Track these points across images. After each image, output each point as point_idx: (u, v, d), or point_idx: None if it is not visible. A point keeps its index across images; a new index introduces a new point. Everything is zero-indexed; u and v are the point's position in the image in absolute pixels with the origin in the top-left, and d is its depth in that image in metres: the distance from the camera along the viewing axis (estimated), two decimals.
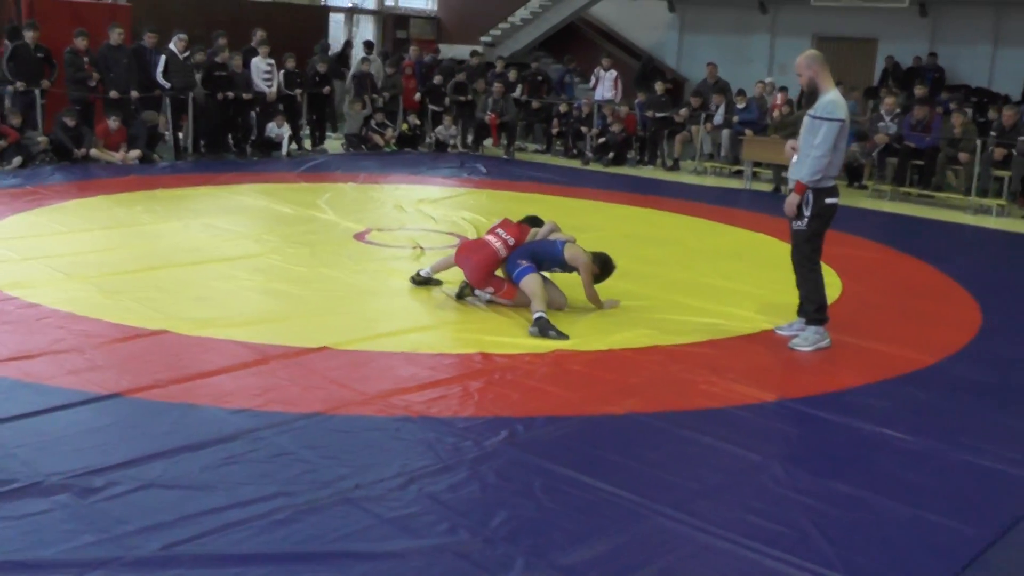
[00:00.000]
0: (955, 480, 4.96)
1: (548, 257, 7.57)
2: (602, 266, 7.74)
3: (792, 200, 6.98)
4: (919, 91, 16.47)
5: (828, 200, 6.96)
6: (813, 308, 7.13)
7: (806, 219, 6.98)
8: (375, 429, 5.17)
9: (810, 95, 7.09)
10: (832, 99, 6.88)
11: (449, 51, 22.98)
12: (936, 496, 4.73)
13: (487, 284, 7.62)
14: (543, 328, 6.93)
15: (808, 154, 6.86)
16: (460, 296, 7.77)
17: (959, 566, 4.08)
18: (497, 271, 7.67)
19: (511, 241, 7.64)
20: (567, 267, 7.61)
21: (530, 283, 7.29)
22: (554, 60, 24.68)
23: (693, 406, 5.78)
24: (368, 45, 20.20)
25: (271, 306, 7.43)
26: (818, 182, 6.89)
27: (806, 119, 7.02)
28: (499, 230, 7.74)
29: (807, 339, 7.07)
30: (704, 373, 6.36)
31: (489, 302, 7.69)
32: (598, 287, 7.74)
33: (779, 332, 7.38)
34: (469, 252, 7.71)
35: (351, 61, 20.71)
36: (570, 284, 7.83)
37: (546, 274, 7.61)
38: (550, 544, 4.04)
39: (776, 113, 16.38)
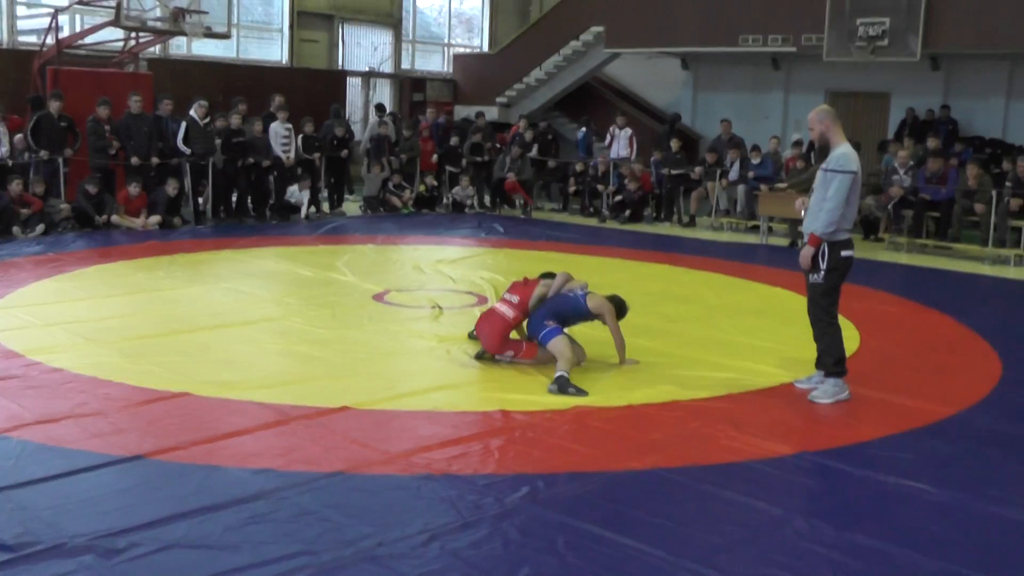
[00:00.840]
0: (982, 532, 4.92)
1: (573, 313, 7.63)
2: (617, 308, 7.82)
3: (807, 253, 7.01)
4: (932, 143, 16.52)
5: (844, 253, 6.98)
6: (832, 361, 7.11)
7: (822, 272, 7.00)
8: (397, 488, 5.17)
9: (822, 149, 7.17)
10: (844, 152, 6.92)
11: (465, 112, 23.22)
12: (963, 549, 4.69)
13: (504, 349, 7.69)
14: (562, 386, 6.94)
15: (822, 207, 6.90)
16: (479, 357, 7.81)
17: None
18: (513, 334, 7.73)
19: (515, 300, 7.73)
20: (591, 317, 7.69)
21: (557, 345, 7.32)
22: (569, 120, 24.91)
23: (714, 460, 5.77)
24: (380, 108, 20.40)
25: (292, 368, 7.46)
26: (832, 235, 6.92)
27: (819, 173, 7.07)
28: (506, 295, 7.88)
29: (826, 392, 7.06)
30: (725, 428, 6.35)
31: (512, 362, 7.72)
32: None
33: (798, 386, 7.37)
34: (483, 324, 7.82)
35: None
36: (591, 339, 7.85)
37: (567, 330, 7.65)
38: None
39: (794, 166, 16.48)
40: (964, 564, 4.51)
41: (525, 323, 7.76)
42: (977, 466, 5.87)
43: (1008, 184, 14.73)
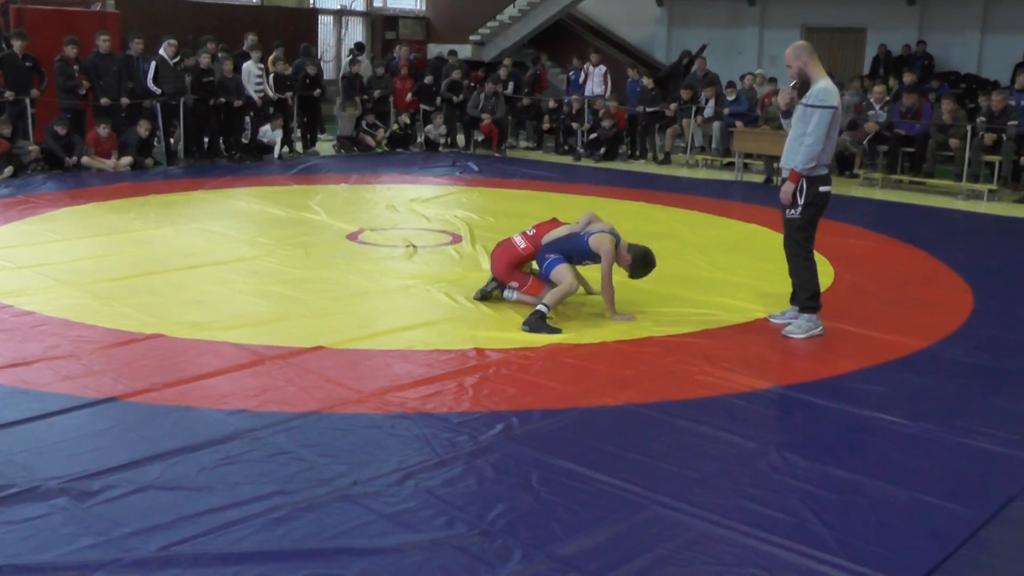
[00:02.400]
0: (950, 462, 4.98)
1: (576, 251, 7.41)
2: (640, 260, 7.35)
3: (788, 188, 6.99)
4: (908, 79, 16.49)
5: (822, 188, 6.98)
6: (806, 296, 7.14)
7: (800, 207, 7.00)
8: (371, 427, 5.17)
9: (802, 85, 7.10)
10: (824, 87, 6.88)
11: (438, 51, 22.98)
12: (931, 478, 4.76)
13: (510, 277, 7.62)
14: (535, 325, 6.93)
15: (802, 142, 6.88)
16: (484, 296, 7.70)
17: (953, 545, 4.10)
18: (526, 267, 7.67)
19: (531, 233, 7.66)
20: (596, 257, 7.29)
21: (559, 272, 7.26)
22: (546, 58, 24.69)
23: (689, 396, 5.80)
24: (359, 46, 20.17)
25: (266, 308, 7.43)
26: (812, 170, 6.91)
27: (798, 108, 7.03)
28: (528, 229, 7.77)
29: (800, 327, 7.09)
30: (699, 363, 6.38)
31: (517, 301, 7.62)
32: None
33: (772, 320, 7.42)
34: (495, 250, 7.78)
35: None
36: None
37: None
38: (548, 535, 4.06)
39: (770, 103, 16.40)
40: (932, 493, 4.57)
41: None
42: (947, 398, 5.93)
43: (982, 119, 14.74)
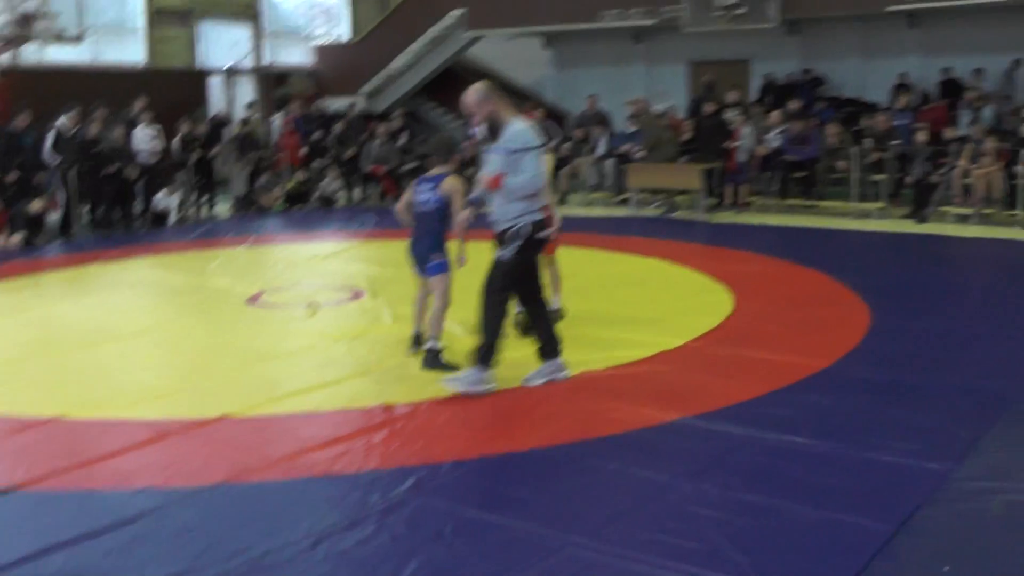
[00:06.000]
0: (858, 478, 5.10)
1: (444, 215, 7.26)
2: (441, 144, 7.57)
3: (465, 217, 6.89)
4: (794, 106, 16.95)
5: (540, 234, 6.65)
6: (485, 345, 6.61)
7: (511, 250, 6.57)
8: (280, 493, 5.13)
9: (493, 130, 6.56)
10: (521, 128, 6.52)
11: (332, 104, 22.94)
12: (841, 495, 4.87)
13: None
14: (432, 361, 6.96)
15: (515, 188, 6.47)
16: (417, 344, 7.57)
17: (865, 559, 4.20)
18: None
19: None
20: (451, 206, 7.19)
21: (439, 282, 7.29)
22: (438, 105, 24.85)
23: (597, 434, 5.84)
24: (250, 105, 20.08)
25: (168, 380, 7.32)
26: (528, 216, 6.55)
27: (495, 156, 6.57)
28: None
29: (468, 378, 6.59)
30: (606, 400, 6.44)
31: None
32: None
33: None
34: None
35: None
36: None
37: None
38: None
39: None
40: (843, 510, 4.68)
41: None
42: (851, 415, 6.08)
43: (869, 139, 15.22)
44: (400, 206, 7.70)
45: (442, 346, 7.21)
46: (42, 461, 5.65)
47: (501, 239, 6.64)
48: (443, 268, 7.33)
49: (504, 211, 6.60)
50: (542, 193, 6.64)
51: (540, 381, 6.79)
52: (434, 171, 7.42)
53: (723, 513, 4.69)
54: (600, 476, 5.23)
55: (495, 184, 6.50)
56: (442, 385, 6.62)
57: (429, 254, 7.37)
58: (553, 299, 8.53)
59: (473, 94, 6.56)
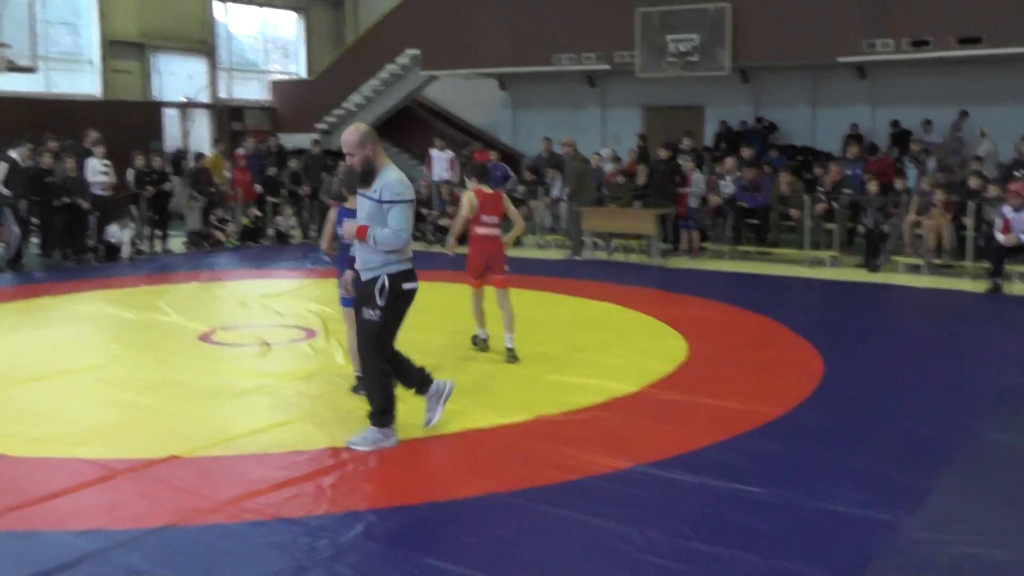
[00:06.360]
0: (808, 527, 5.17)
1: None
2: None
3: (351, 276, 6.70)
4: (747, 153, 17.18)
5: (406, 285, 6.39)
6: (377, 410, 6.49)
7: (380, 309, 6.32)
8: (228, 537, 5.09)
9: (365, 175, 6.35)
10: (399, 179, 6.31)
11: (288, 140, 22.95)
12: (791, 544, 4.93)
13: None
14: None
15: (380, 241, 6.23)
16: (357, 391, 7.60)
17: None
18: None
19: (495, 220, 8.95)
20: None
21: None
22: (391, 144, 24.88)
23: (546, 480, 5.86)
24: (216, 141, 20.04)
25: (115, 418, 7.23)
26: (393, 266, 6.34)
27: (366, 202, 6.37)
28: (485, 217, 8.85)
29: (366, 439, 6.47)
30: (555, 445, 6.46)
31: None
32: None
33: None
34: (492, 247, 8.99)
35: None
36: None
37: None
38: None
39: (615, 180, 16.86)
40: (793, 559, 4.74)
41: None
42: (803, 463, 6.15)
43: (820, 189, 15.45)
44: (326, 242, 7.75)
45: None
46: None
47: (365, 291, 6.39)
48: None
49: (366, 259, 6.38)
50: (408, 248, 6.40)
51: (366, 448, 6.39)
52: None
53: (672, 562, 4.72)
54: (549, 523, 5.24)
55: (360, 235, 6.30)
56: (347, 444, 6.44)
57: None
58: (506, 338, 8.77)
59: (355, 133, 6.35)
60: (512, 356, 8.67)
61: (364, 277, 6.39)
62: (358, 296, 6.50)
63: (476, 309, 9.17)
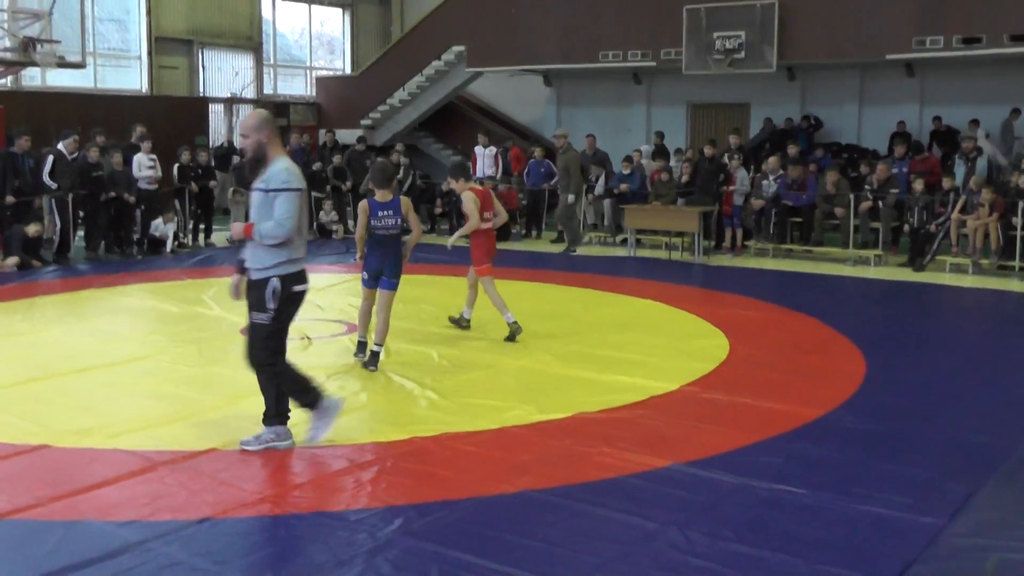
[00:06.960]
0: (849, 531, 5.08)
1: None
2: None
3: (235, 282, 6.32)
4: (792, 151, 17.01)
5: (296, 288, 6.17)
6: (272, 412, 6.35)
7: (271, 312, 6.08)
8: (267, 530, 5.10)
9: (256, 162, 6.14)
10: (286, 167, 6.07)
11: (347, 137, 22.97)
12: (831, 548, 4.85)
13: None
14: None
15: (263, 234, 6.00)
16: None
17: None
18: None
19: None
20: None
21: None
22: (435, 140, 24.95)
23: (587, 478, 5.82)
24: None
25: (158, 410, 7.26)
26: (283, 267, 6.10)
27: (256, 194, 6.13)
28: (486, 214, 9.47)
29: (260, 438, 6.31)
30: (597, 444, 6.41)
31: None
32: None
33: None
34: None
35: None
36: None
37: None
38: None
39: (659, 178, 16.78)
40: (833, 563, 4.66)
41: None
42: (843, 466, 6.06)
43: (867, 187, 15.28)
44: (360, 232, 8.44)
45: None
46: (26, 490, 5.61)
47: (255, 293, 6.13)
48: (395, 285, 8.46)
49: (256, 258, 6.12)
50: (296, 242, 6.11)
51: (257, 448, 6.23)
52: (380, 197, 8.35)
53: (712, 563, 4.66)
54: (588, 521, 5.20)
55: (247, 234, 6.08)
56: (241, 446, 6.27)
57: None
58: (465, 310, 9.94)
59: (253, 117, 6.16)
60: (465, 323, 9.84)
61: (254, 277, 6.14)
62: (248, 299, 6.19)
63: (496, 300, 9.47)
